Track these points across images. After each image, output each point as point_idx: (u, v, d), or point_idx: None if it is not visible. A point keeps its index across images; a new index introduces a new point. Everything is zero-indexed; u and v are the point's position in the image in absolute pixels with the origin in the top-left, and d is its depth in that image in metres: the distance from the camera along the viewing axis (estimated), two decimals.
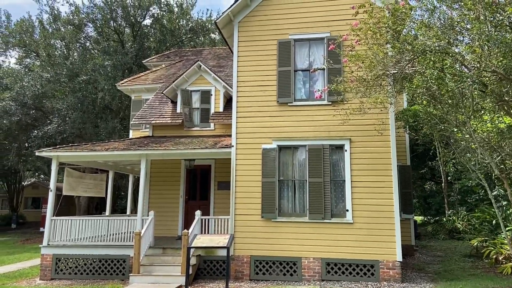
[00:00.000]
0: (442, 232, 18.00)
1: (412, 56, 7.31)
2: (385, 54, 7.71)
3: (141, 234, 10.11)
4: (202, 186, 13.34)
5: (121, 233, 11.10)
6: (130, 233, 11.07)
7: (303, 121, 10.28)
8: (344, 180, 9.91)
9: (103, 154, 11.17)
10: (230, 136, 12.12)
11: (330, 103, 10.16)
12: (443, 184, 19.63)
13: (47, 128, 21.26)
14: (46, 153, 11.38)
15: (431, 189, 25.45)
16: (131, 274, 9.85)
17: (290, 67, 10.55)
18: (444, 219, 18.63)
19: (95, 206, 29.06)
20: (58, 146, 11.76)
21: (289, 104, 10.42)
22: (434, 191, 24.45)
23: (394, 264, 9.26)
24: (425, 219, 24.39)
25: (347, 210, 9.74)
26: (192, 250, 9.82)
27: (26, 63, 23.37)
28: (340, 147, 10.08)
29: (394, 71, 7.81)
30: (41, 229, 29.57)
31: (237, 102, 10.72)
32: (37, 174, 42.91)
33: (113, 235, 11.14)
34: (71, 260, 11.05)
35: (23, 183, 41.66)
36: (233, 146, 10.54)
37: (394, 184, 9.55)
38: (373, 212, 9.55)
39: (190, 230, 10.00)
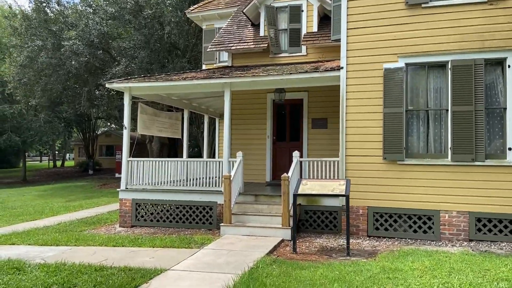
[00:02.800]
0: None
1: None
2: None
3: (231, 178, 8.33)
4: (292, 124, 11.22)
5: (204, 178, 9.47)
6: (216, 178, 9.41)
7: (443, 28, 7.51)
8: (505, 109, 7.20)
9: (181, 84, 9.32)
10: (328, 61, 9.67)
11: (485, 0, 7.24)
12: None
13: (115, 69, 20.11)
14: (117, 84, 9.79)
15: None
16: (222, 224, 8.23)
17: None
18: None
19: (167, 153, 28.57)
20: (129, 77, 10.13)
21: (423, 4, 7.62)
22: None
23: None
24: None
25: (510, 149, 7.10)
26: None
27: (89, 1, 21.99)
28: (499, 63, 7.26)
29: None
30: (116, 174, 29.95)
31: (347, 8, 8.12)
32: (108, 123, 43.84)
33: (195, 179, 9.55)
34: (151, 206, 9.73)
35: (96, 131, 42.88)
36: (342, 67, 8.12)
37: None
38: None
39: (289, 174, 8.03)
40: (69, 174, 36.15)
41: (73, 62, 19.22)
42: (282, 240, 7.56)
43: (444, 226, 7.40)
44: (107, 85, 9.87)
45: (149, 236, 8.39)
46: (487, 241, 7.17)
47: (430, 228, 7.53)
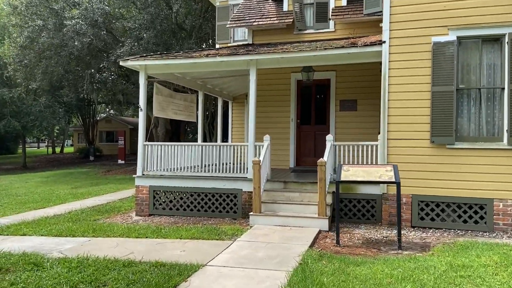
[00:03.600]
0: None
1: None
2: None
3: (260, 164, 7.65)
4: (318, 106, 10.50)
5: (228, 164, 8.79)
6: (240, 163, 8.73)
7: None
8: None
9: (203, 61, 8.54)
10: (361, 37, 8.90)
11: None
12: None
13: (119, 51, 19.20)
14: (132, 62, 9.00)
15: None
16: (251, 213, 7.57)
17: None
18: None
19: (169, 139, 27.79)
20: (145, 55, 9.34)
21: None
22: None
23: None
24: None
25: None
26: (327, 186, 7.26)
27: None
28: None
29: None
30: (119, 161, 29.22)
31: None
32: (109, 109, 42.93)
33: (215, 165, 8.86)
34: (170, 194, 9.05)
35: (96, 117, 41.93)
36: (384, 42, 7.37)
37: None
38: None
39: (325, 159, 7.35)
40: (69, 161, 35.38)
41: (76, 43, 18.24)
42: (320, 231, 6.92)
43: (498, 216, 6.77)
44: (121, 63, 9.08)
45: (171, 226, 7.73)
46: None
47: (482, 218, 6.89)
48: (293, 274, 4.69)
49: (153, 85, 9.99)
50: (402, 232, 6.98)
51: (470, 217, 6.95)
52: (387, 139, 7.36)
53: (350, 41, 8.21)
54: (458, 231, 6.94)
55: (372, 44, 7.50)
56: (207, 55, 8.51)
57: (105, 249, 5.98)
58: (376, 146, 7.70)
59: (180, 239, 6.58)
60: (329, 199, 7.56)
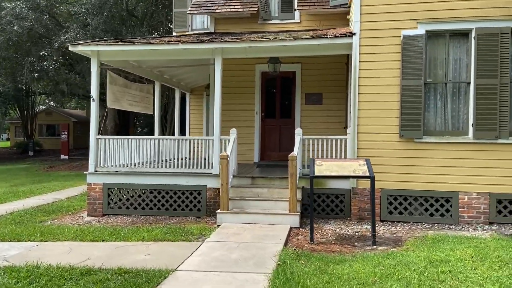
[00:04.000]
0: None
1: None
2: None
3: (228, 158, 7.24)
4: (283, 99, 10.24)
5: (191, 159, 8.29)
6: (200, 158, 8.27)
7: None
8: None
9: (164, 48, 7.93)
10: (327, 30, 8.74)
11: None
12: None
13: (64, 37, 17.77)
14: (83, 47, 8.17)
15: None
16: (219, 211, 7.15)
17: None
18: None
19: (117, 133, 26.39)
20: (98, 40, 8.53)
21: None
22: None
23: None
24: None
25: None
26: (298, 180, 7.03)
27: None
28: None
29: None
30: (62, 156, 27.30)
31: None
32: (48, 100, 40.19)
33: (177, 160, 8.34)
34: (127, 192, 8.38)
35: (36, 109, 38.97)
36: (355, 33, 7.22)
37: None
38: None
39: (295, 153, 7.09)
40: (6, 156, 32.57)
41: (15, 28, 16.62)
42: (291, 228, 6.66)
43: (463, 209, 6.90)
44: (70, 48, 8.21)
45: (130, 226, 7.12)
46: (508, 223, 6.77)
47: (447, 211, 6.99)
48: (274, 276, 4.36)
49: (105, 74, 9.20)
50: (369, 226, 6.90)
51: (437, 210, 7.03)
52: (357, 133, 7.25)
53: (320, 32, 8.00)
54: (425, 224, 6.99)
55: (343, 35, 7.32)
56: (168, 42, 7.92)
57: (57, 255, 5.30)
58: (345, 140, 7.58)
59: (143, 241, 6.02)
60: (299, 195, 7.32)
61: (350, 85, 8.25)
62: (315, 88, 9.79)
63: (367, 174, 6.00)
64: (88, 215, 8.30)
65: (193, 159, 8.18)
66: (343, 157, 7.60)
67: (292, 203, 6.87)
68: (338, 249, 5.65)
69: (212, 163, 8.12)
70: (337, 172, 6.15)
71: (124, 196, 8.36)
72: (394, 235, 6.44)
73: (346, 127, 9.41)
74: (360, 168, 6.17)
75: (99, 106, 8.92)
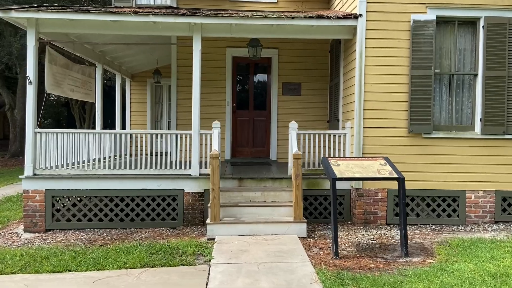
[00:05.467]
0: None
1: None
2: None
3: (219, 157, 5.97)
4: (257, 89, 9.12)
5: (133, 156, 6.83)
6: (177, 157, 6.87)
7: None
8: None
9: (129, 20, 6.32)
10: (310, 12, 7.86)
11: None
12: None
13: None
14: (17, 13, 6.18)
15: None
16: (208, 221, 5.86)
17: None
18: None
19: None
20: (37, 5, 6.53)
21: None
22: None
23: None
24: None
25: None
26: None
27: None
28: None
29: None
30: None
31: None
32: None
33: (125, 157, 6.83)
34: (79, 200, 6.63)
35: None
36: (361, 15, 6.41)
37: None
38: None
39: (299, 151, 6.10)
40: None
41: None
42: (300, 239, 5.67)
43: (470, 208, 6.53)
44: (0, 15, 6.16)
45: (91, 245, 5.52)
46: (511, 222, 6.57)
47: (454, 211, 6.58)
48: None
49: (42, 50, 7.25)
50: (380, 232, 6.24)
51: (444, 210, 6.58)
52: (363, 127, 6.47)
53: (317, 12, 7.05)
54: (434, 226, 6.50)
55: (347, 17, 6.46)
56: (135, 13, 6.32)
57: None
58: (345, 135, 6.78)
59: (126, 268, 4.55)
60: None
61: (340, 74, 7.49)
62: (293, 78, 8.85)
63: (395, 175, 5.23)
64: (25, 231, 6.41)
65: (135, 155, 6.74)
66: (341, 154, 6.80)
67: (298, 209, 5.87)
68: (372, 265, 4.80)
69: (189, 162, 6.79)
70: (360, 174, 5.28)
71: (75, 206, 6.61)
72: (413, 241, 5.80)
73: (329, 121, 8.66)
74: (383, 168, 5.39)
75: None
